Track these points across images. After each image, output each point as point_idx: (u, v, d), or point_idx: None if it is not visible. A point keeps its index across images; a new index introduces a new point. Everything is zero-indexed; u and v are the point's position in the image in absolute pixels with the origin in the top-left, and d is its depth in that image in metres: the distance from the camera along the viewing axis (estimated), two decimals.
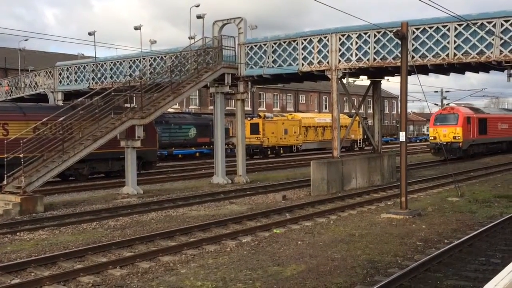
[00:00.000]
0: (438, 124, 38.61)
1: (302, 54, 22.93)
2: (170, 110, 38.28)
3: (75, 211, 17.38)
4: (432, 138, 38.61)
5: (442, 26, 19.54)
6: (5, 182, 18.38)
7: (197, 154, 43.25)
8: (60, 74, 32.13)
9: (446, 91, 57.10)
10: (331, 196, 20.33)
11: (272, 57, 23.77)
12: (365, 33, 21.27)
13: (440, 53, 19.66)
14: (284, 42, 23.48)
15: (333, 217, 15.85)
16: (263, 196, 20.69)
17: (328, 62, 22.27)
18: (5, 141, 19.20)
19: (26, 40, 43.90)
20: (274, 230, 13.87)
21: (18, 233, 13.91)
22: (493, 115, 43.45)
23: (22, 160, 17.84)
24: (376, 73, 24.00)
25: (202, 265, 10.43)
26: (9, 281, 9.67)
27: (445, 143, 35.69)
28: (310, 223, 14.95)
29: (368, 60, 21.30)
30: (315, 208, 17.77)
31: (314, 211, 16.99)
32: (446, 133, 37.57)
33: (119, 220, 15.76)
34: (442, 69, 21.59)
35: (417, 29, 20.00)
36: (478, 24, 18.72)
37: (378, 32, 20.93)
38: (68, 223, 15.22)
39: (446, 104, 47.58)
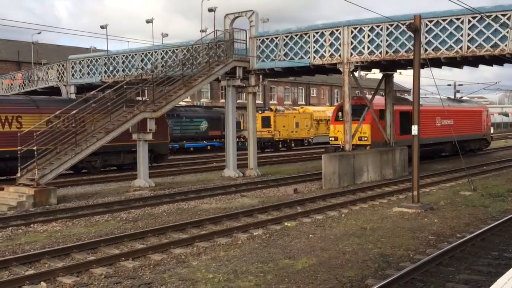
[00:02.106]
0: (340, 120, 26.56)
1: (314, 47, 22.83)
2: (182, 103, 38.39)
3: (87, 204, 17.52)
4: (333, 139, 27.82)
5: (456, 19, 19.34)
6: (18, 175, 18.57)
7: (209, 147, 43.32)
8: (72, 67, 32.29)
9: (459, 85, 56.59)
10: (342, 189, 20.28)
11: (284, 50, 23.70)
12: (378, 26, 21.13)
13: (454, 46, 19.47)
14: (296, 35, 23.39)
15: (344, 211, 15.83)
16: (274, 189, 20.70)
17: (340, 55, 22.16)
18: (19, 134, 19.36)
19: (39, 33, 44.13)
20: (285, 223, 13.89)
21: (32, 225, 14.07)
22: (427, 107, 30.75)
23: (35, 152, 17.99)
24: (388, 66, 23.84)
25: (213, 258, 10.47)
26: (23, 272, 9.78)
27: None
28: (321, 216, 14.95)
29: (380, 53, 21.16)
30: (326, 201, 17.75)
31: (325, 204, 16.98)
32: None
33: (131, 212, 15.87)
34: (456, 62, 21.39)
35: (430, 21, 19.82)
36: (493, 17, 18.50)
37: (391, 25, 20.77)
38: (81, 215, 15.36)
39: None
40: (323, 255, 10.48)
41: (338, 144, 26.47)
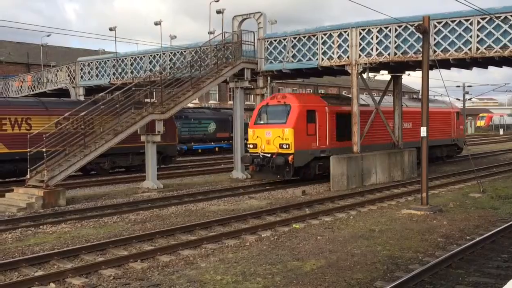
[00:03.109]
0: (260, 123, 22.76)
1: (322, 48, 22.80)
2: (190, 105, 38.52)
3: (96, 205, 17.60)
4: (251, 146, 22.57)
5: (465, 20, 19.25)
6: (28, 176, 18.68)
7: (217, 149, 43.37)
8: (81, 69, 32.47)
9: (469, 86, 56.42)
10: (351, 191, 20.24)
11: (292, 52, 23.69)
12: (386, 27, 21.07)
13: (463, 47, 19.37)
14: (304, 37, 23.37)
15: (353, 213, 15.78)
16: (282, 191, 20.68)
17: (348, 57, 22.11)
18: (28, 136, 19.48)
19: (48, 36, 44.45)
20: (294, 225, 13.87)
21: (41, 226, 14.14)
22: (373, 108, 25.02)
23: (44, 154, 18.10)
24: (397, 68, 23.76)
25: (222, 259, 10.47)
26: (32, 273, 9.83)
27: (269, 155, 21.60)
28: (329, 218, 14.92)
29: (389, 54, 21.10)
30: (334, 203, 17.71)
31: (333, 206, 16.95)
32: (270, 139, 21.83)
33: (140, 214, 15.91)
34: (465, 63, 21.27)
35: (439, 23, 19.74)
36: (502, 18, 18.39)
37: (399, 26, 20.71)
38: (89, 217, 15.43)
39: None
40: (332, 257, 10.46)
41: (258, 153, 21.91)
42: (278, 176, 21.90)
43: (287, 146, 21.27)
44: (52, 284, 9.11)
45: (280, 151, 21.42)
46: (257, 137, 22.26)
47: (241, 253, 10.98)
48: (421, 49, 17.02)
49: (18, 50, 54.07)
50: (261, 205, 17.42)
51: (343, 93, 65.67)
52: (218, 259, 10.53)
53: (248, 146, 22.84)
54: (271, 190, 20.85)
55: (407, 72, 26.52)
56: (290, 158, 21.10)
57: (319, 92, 25.41)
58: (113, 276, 9.48)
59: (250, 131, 22.90)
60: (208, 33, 29.86)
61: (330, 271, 9.53)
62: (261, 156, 21.78)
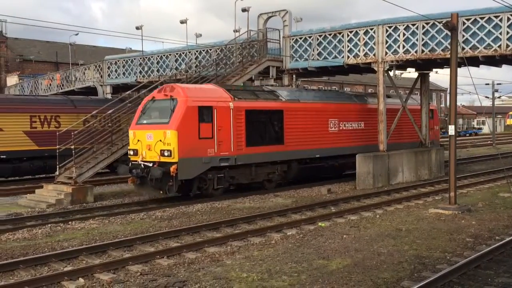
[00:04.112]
0: (143, 122, 17.97)
1: (348, 46, 22.65)
2: None
3: (123, 202, 17.84)
4: (132, 152, 17.89)
5: (494, 17, 18.91)
6: (57, 173, 19.02)
7: None
8: (108, 67, 32.89)
9: (498, 84, 55.37)
10: (377, 190, 20.07)
11: (317, 49, 23.59)
12: (413, 25, 20.82)
13: (492, 44, 19.03)
14: (330, 35, 23.25)
15: (379, 211, 15.66)
16: (307, 189, 20.62)
17: (374, 55, 21.93)
18: (57, 133, 19.84)
19: (76, 34, 45.19)
20: (319, 224, 13.83)
21: (70, 222, 14.40)
22: (305, 103, 21.46)
23: (73, 151, 18.41)
24: (424, 65, 23.44)
25: (247, 257, 10.50)
26: (62, 268, 10.02)
27: (150, 164, 17.09)
28: (355, 217, 14.83)
29: (416, 52, 20.85)
30: (360, 202, 17.60)
31: (359, 205, 16.84)
32: (152, 143, 17.21)
33: (166, 211, 16.05)
34: (494, 60, 20.89)
35: (467, 19, 19.42)
36: None
37: (427, 23, 20.44)
38: (117, 213, 15.64)
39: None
40: (358, 256, 10.40)
41: (137, 161, 17.46)
42: (161, 192, 17.15)
43: (169, 153, 16.64)
44: (80, 279, 9.26)
45: (162, 159, 16.85)
46: (138, 141, 17.58)
47: (267, 251, 11.00)
48: (449, 47, 16.79)
49: (47, 49, 55.02)
50: (286, 203, 17.41)
51: (369, 91, 65.18)
52: (244, 256, 10.57)
53: (129, 153, 18.12)
54: (296, 188, 20.78)
55: (434, 70, 26.17)
56: (172, 168, 16.45)
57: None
58: (140, 272, 9.59)
59: (130, 133, 18.13)
60: (234, 31, 29.97)
61: (356, 270, 9.48)
62: (142, 165, 17.27)
